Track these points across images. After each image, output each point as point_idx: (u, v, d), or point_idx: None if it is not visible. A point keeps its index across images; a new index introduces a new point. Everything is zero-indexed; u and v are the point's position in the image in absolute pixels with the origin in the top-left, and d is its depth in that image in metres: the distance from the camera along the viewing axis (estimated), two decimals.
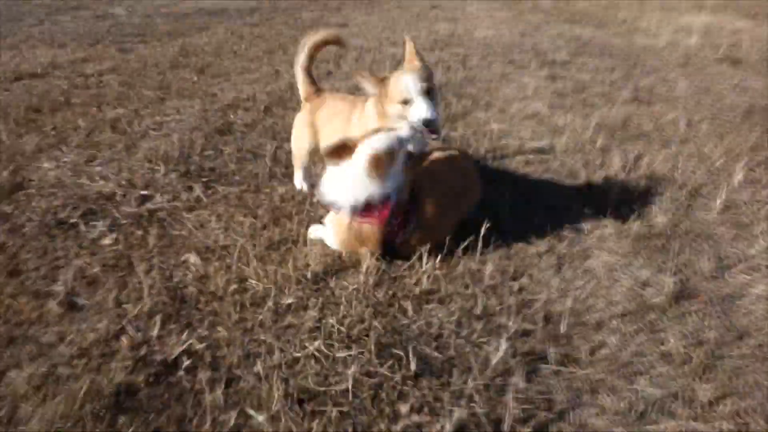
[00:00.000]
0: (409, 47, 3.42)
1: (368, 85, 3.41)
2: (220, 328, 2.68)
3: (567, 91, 6.41)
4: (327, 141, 3.77)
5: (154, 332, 2.65)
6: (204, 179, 4.32)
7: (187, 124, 5.54)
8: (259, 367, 2.43)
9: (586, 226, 3.53)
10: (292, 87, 6.82)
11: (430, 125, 3.14)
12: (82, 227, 3.62)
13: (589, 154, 4.60)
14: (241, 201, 3.99)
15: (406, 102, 3.16)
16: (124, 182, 4.23)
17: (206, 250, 3.36)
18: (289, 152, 4.82)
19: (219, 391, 2.31)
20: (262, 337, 2.63)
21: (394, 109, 3.23)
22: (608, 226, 3.48)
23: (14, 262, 3.23)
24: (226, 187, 4.20)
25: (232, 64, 8.02)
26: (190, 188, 4.15)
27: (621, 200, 3.83)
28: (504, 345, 2.51)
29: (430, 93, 3.16)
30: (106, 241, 3.43)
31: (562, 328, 2.66)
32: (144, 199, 4.01)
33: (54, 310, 2.81)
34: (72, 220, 3.69)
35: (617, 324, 2.69)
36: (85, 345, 2.57)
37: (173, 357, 2.50)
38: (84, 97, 6.50)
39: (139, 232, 3.55)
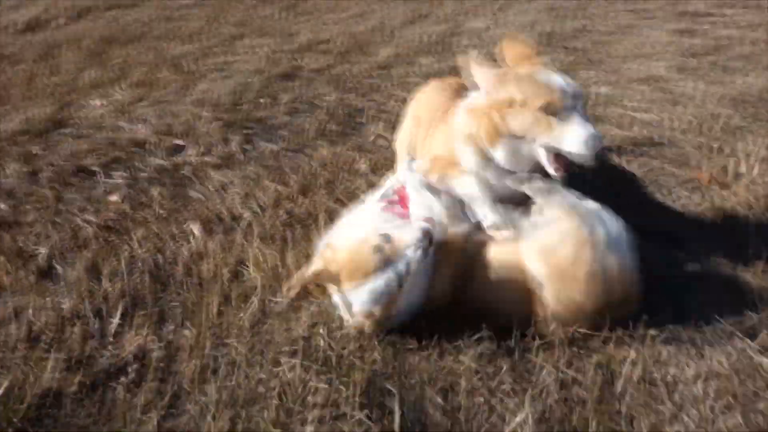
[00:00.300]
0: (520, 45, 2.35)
1: (481, 76, 2.25)
2: (190, 326, 2.24)
3: (700, 50, 5.24)
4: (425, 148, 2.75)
5: (115, 321, 2.25)
6: (246, 131, 3.89)
7: (253, 66, 5.11)
8: (211, 391, 1.95)
9: (687, 239, 2.69)
10: (378, 30, 6.19)
11: (597, 147, 2.07)
12: (100, 177, 3.32)
13: (710, 136, 3.61)
14: (276, 161, 3.52)
15: (554, 113, 2.09)
16: (162, 128, 3.88)
17: (216, 219, 2.93)
18: (348, 105, 4.29)
19: (154, 419, 1.87)
20: (234, 345, 2.15)
21: (522, 125, 2.16)
22: (717, 245, 2.61)
23: (16, 212, 2.98)
24: (267, 143, 3.74)
25: (323, 1, 7.46)
26: (227, 141, 3.72)
27: (742, 207, 2.91)
28: (528, 408, 1.85)
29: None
30: (114, 197, 3.09)
31: (619, 389, 1.94)
32: (175, 150, 3.64)
33: (27, 277, 2.50)
34: (93, 168, 3.40)
35: (702, 393, 1.92)
36: (36, 327, 2.23)
37: (122, 359, 2.09)
38: (163, 30, 6.27)
39: (154, 190, 3.18)
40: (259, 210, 3.00)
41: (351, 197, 3.15)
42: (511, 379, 2.00)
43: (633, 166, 3.45)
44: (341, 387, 1.96)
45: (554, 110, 2.09)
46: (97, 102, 4.25)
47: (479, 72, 2.25)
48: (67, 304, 2.33)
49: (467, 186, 2.33)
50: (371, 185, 3.24)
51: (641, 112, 4.05)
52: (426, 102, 2.90)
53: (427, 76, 3.91)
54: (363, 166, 3.42)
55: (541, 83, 2.13)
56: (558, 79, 2.12)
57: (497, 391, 1.95)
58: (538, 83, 2.13)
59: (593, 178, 3.08)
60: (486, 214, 2.25)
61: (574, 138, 2.07)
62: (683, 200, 3.06)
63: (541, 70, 2.18)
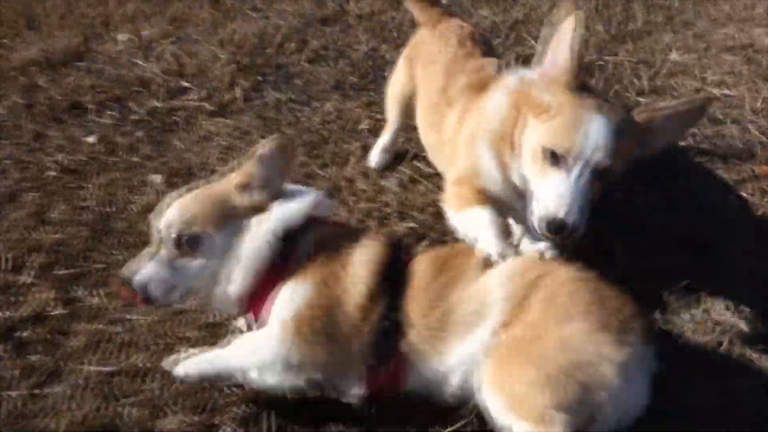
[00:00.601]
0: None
1: (559, 49, 1.69)
2: (100, 294, 2.03)
3: None
4: (422, 109, 2.39)
5: (30, 276, 2.08)
6: (259, 77, 3.59)
7: (296, 7, 4.75)
8: (89, 371, 1.74)
9: (724, 251, 2.15)
10: None
11: (553, 231, 1.61)
12: (90, 116, 3.16)
13: None
14: (277, 113, 3.22)
15: (555, 160, 1.63)
16: (174, 68, 3.66)
17: (185, 172, 2.69)
18: (379, 57, 3.88)
19: (18, 396, 1.68)
20: (136, 321, 1.92)
21: (524, 144, 1.74)
22: (760, 263, 2.05)
23: None
24: (274, 93, 3.43)
25: None
26: (234, 87, 3.45)
27: None
28: None
29: (600, 176, 1.63)
30: (90, 139, 2.92)
31: None
32: (178, 92, 3.42)
33: None
34: (88, 106, 3.24)
35: None
36: None
37: (16, 320, 1.91)
38: None
39: (137, 134, 2.99)
40: (235, 165, 2.72)
41: (337, 160, 2.82)
42: None
43: (689, 153, 2.85)
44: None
45: (557, 161, 1.62)
46: (123, 36, 4.09)
47: (562, 42, 1.65)
48: None
49: (477, 222, 1.79)
50: (366, 148, 2.89)
51: (720, 86, 3.35)
52: (423, 45, 2.48)
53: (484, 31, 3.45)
54: (366, 125, 3.05)
55: (579, 123, 1.60)
56: (595, 131, 1.58)
57: None
58: (576, 120, 1.61)
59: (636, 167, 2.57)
60: (491, 243, 1.69)
61: (538, 205, 1.64)
62: (737, 202, 2.47)
63: (596, 110, 1.62)
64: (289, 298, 1.53)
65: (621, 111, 1.67)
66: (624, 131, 1.61)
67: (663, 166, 2.67)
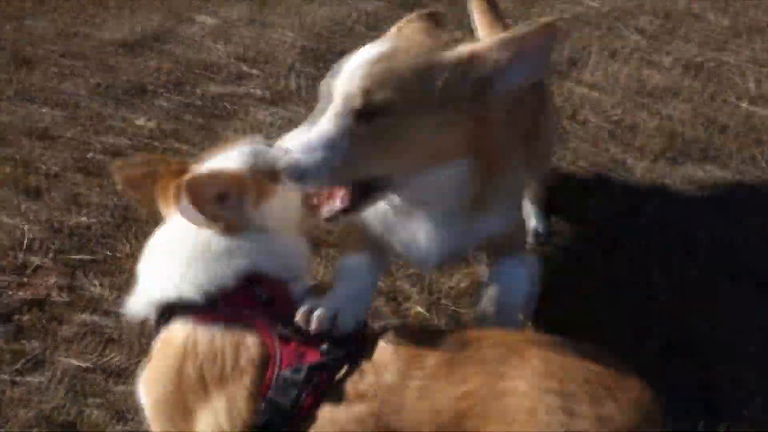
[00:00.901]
0: None
1: None
2: (103, 283, 2.02)
3: None
4: None
5: (44, 259, 2.12)
6: (322, 65, 3.48)
7: None
8: (67, 361, 1.73)
9: None
10: None
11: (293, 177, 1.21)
12: (147, 99, 3.20)
13: None
14: None
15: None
16: (242, 54, 3.65)
17: None
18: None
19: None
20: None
21: None
22: None
23: (63, 124, 3.01)
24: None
25: None
26: (295, 74, 3.38)
27: None
28: None
29: (366, 118, 1.20)
30: (139, 123, 2.97)
31: None
32: (239, 77, 3.41)
33: (14, 195, 2.49)
34: (148, 89, 3.30)
35: None
36: None
37: (15, 304, 1.95)
38: None
39: (187, 119, 3.00)
40: None
41: None
42: None
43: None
44: None
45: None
46: (203, 19, 4.14)
47: None
48: (17, 233, 2.25)
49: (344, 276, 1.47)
50: None
51: None
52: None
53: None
54: None
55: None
56: (350, 62, 1.26)
57: None
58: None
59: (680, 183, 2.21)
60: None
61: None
62: None
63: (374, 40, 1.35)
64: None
65: (415, 42, 1.36)
66: (405, 64, 1.23)
67: (737, 184, 2.25)
